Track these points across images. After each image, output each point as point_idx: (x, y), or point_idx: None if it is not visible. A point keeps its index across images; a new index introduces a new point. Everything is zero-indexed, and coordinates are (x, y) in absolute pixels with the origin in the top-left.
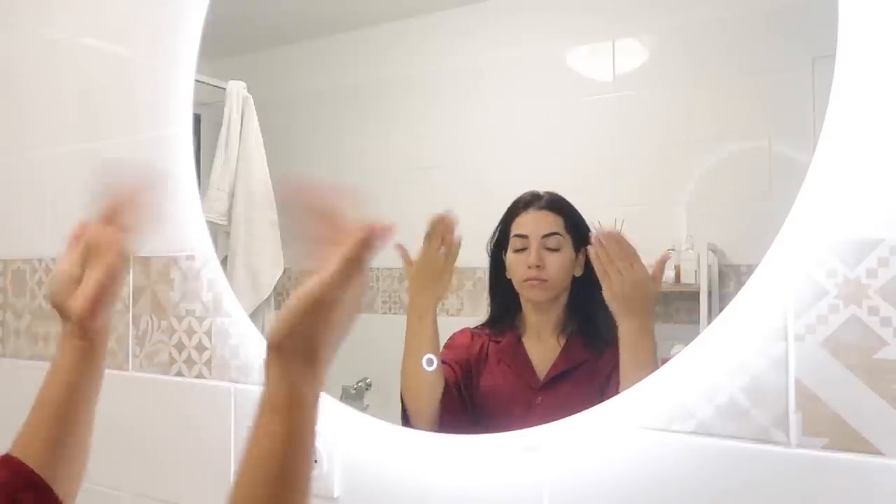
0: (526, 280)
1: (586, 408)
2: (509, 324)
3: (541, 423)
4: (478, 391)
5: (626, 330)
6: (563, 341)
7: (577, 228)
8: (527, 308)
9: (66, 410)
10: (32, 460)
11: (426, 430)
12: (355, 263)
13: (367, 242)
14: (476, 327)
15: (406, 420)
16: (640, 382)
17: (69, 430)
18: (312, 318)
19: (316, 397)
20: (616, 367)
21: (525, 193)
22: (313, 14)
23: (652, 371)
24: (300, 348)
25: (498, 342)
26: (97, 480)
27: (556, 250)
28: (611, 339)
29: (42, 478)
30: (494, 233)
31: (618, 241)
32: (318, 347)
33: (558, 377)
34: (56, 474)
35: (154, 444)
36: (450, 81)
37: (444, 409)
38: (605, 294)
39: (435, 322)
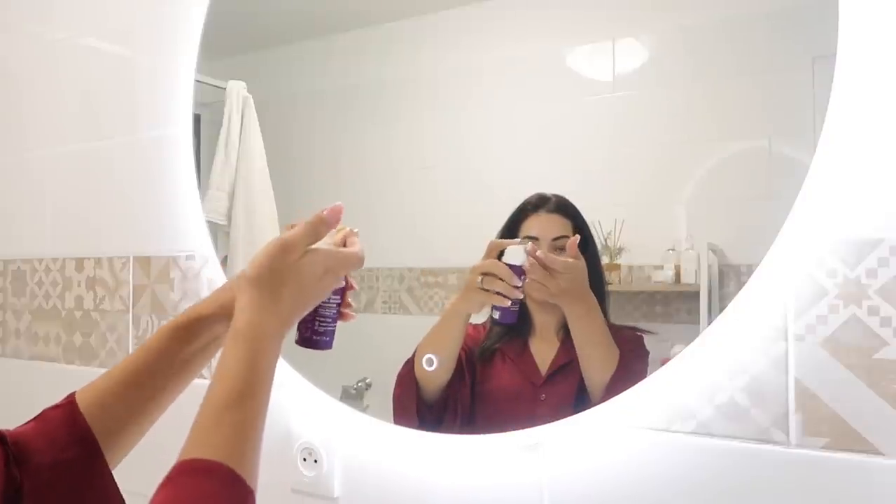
0: (534, 280)
1: (588, 402)
2: (516, 326)
3: (546, 420)
4: (483, 390)
5: (576, 316)
6: (563, 337)
7: (582, 231)
8: (532, 308)
9: (156, 383)
10: (95, 414)
11: (429, 403)
12: (316, 227)
13: (325, 216)
14: (476, 326)
15: (404, 402)
16: (641, 382)
17: (145, 405)
18: (281, 258)
19: (277, 331)
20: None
21: (532, 196)
22: (313, 14)
23: (609, 348)
24: (267, 283)
25: (503, 342)
26: None
27: (564, 252)
28: None
29: (95, 438)
30: (501, 233)
31: (539, 257)
32: (284, 284)
33: (558, 371)
34: (110, 439)
35: (154, 444)
36: (450, 81)
37: (450, 388)
38: (547, 294)
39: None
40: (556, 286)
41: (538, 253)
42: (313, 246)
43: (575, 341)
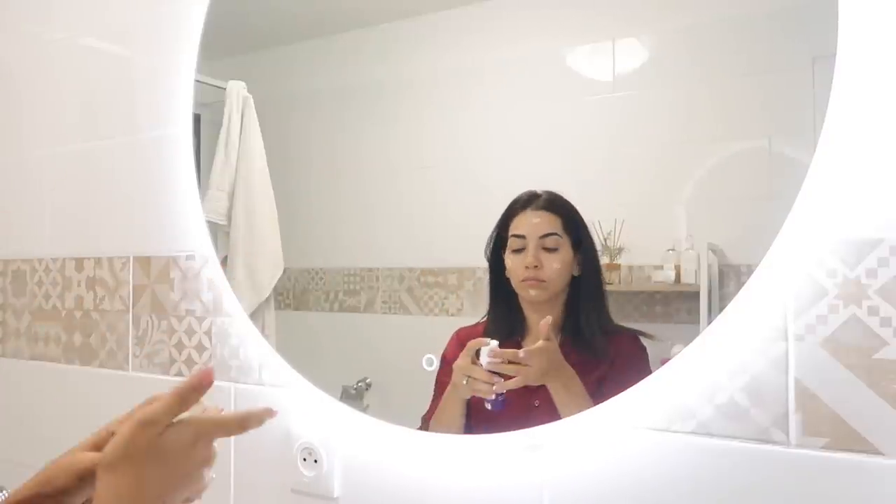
0: (524, 280)
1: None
2: (510, 325)
3: (540, 425)
4: (474, 397)
5: (555, 390)
6: (560, 340)
7: (575, 228)
8: (526, 309)
9: None
10: None
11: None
12: (183, 396)
13: (195, 382)
14: (476, 325)
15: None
16: (641, 382)
17: None
18: (140, 435)
19: None
20: (607, 375)
21: (523, 193)
22: (313, 14)
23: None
24: (124, 467)
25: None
26: None
27: (554, 250)
28: (600, 341)
29: None
30: (492, 234)
31: (510, 355)
32: (145, 465)
33: None
34: None
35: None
36: (450, 81)
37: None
38: (526, 381)
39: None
40: (532, 373)
41: (501, 355)
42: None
43: (556, 404)
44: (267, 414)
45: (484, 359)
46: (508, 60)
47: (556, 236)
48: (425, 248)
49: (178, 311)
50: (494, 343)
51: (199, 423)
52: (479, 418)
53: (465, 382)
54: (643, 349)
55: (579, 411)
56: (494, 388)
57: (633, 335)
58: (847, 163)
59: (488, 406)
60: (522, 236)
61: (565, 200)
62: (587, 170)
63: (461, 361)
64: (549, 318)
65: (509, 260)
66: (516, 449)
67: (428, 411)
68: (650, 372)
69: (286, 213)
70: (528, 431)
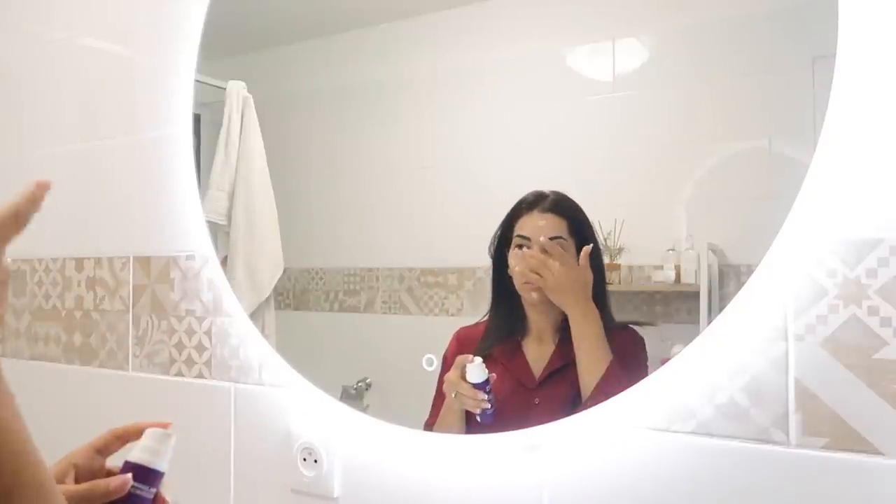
0: (526, 283)
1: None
2: (511, 325)
3: (540, 424)
4: None
5: (572, 320)
6: (559, 340)
7: (581, 231)
8: (528, 309)
9: None
10: None
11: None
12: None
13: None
14: (477, 325)
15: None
16: (641, 382)
17: None
18: None
19: None
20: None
21: (529, 193)
22: (313, 14)
23: (604, 359)
24: None
25: (497, 345)
26: None
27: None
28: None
29: None
30: (496, 232)
31: (548, 247)
32: None
33: (553, 375)
34: None
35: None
36: (449, 81)
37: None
38: (543, 286)
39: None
40: (553, 282)
41: (541, 239)
42: None
43: (573, 341)
44: (40, 186)
45: (469, 374)
46: (508, 60)
47: (560, 240)
48: (425, 248)
49: (178, 311)
50: (479, 360)
51: None
52: (478, 424)
53: (453, 396)
54: (640, 341)
55: (594, 353)
56: (480, 405)
57: (632, 331)
58: (847, 163)
59: (478, 419)
60: (527, 238)
61: (572, 202)
62: (587, 170)
63: (451, 375)
64: (589, 247)
65: (513, 259)
66: (516, 449)
67: (430, 416)
68: (647, 362)
69: (286, 213)
70: (528, 431)
